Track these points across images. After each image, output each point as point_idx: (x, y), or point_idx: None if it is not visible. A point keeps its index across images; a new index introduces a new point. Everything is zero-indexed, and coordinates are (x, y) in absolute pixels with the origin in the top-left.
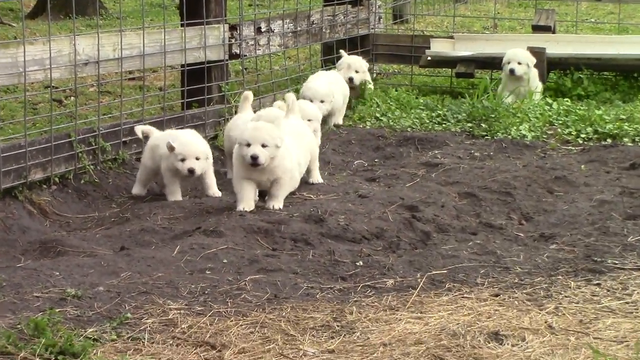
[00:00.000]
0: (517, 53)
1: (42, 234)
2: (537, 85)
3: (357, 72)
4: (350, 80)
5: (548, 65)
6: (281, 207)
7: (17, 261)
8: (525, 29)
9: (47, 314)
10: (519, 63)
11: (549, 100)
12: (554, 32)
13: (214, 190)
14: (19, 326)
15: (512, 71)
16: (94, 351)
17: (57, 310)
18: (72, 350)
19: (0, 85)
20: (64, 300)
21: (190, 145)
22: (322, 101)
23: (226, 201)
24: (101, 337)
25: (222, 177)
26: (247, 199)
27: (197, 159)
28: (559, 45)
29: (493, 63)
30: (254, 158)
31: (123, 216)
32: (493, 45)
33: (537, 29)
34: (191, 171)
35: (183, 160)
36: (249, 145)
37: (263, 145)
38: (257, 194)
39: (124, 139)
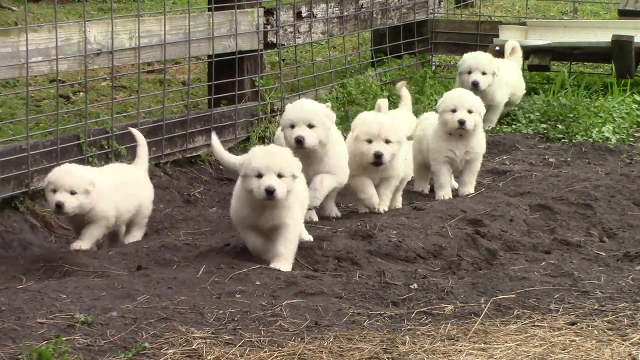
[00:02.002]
0: (480, 59)
1: (46, 251)
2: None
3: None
4: (475, 85)
5: (636, 56)
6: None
7: (18, 282)
8: (610, 14)
9: (52, 343)
10: (483, 73)
11: (637, 98)
12: None
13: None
14: (20, 357)
15: (475, 84)
16: None
17: (64, 338)
18: None
19: (1, 79)
20: (72, 327)
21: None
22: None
23: None
24: None
25: None
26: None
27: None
28: None
29: (572, 54)
30: (378, 155)
31: None
32: (572, 34)
33: (624, 14)
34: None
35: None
36: (370, 141)
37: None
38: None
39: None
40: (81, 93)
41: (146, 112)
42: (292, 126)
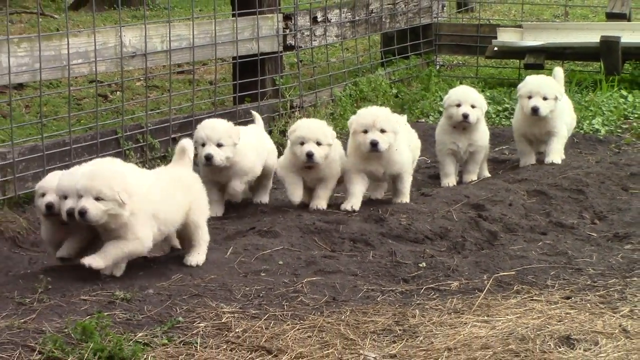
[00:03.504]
0: (469, 94)
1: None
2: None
3: (473, 107)
4: (465, 117)
5: (623, 55)
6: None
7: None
8: (598, 16)
9: (95, 318)
10: (473, 106)
11: (624, 93)
12: (629, 20)
13: None
14: (66, 330)
15: (465, 116)
16: (145, 356)
17: (106, 313)
18: (122, 355)
19: (44, 80)
20: (112, 304)
21: None
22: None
23: (281, 200)
24: (152, 341)
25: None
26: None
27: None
28: (634, 34)
29: (564, 54)
30: (374, 143)
31: None
32: (564, 35)
33: (611, 16)
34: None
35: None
36: (366, 132)
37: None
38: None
39: (173, 136)
40: (118, 92)
41: (177, 109)
42: (302, 143)
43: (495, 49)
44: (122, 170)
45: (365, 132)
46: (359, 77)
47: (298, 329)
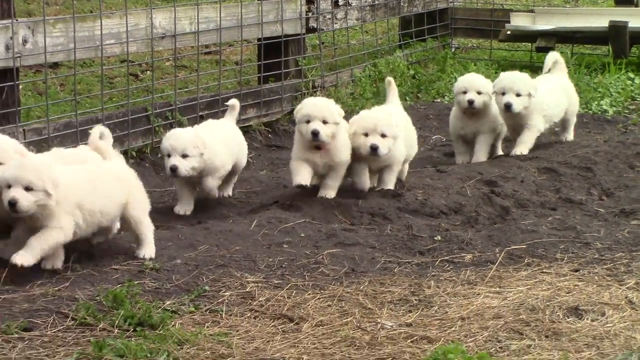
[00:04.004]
0: (475, 81)
1: None
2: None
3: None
4: (470, 104)
5: (630, 39)
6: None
7: None
8: (607, 2)
9: (125, 286)
10: (479, 93)
11: (631, 75)
12: (636, 6)
13: None
14: (97, 298)
15: (470, 102)
16: (173, 323)
17: (136, 282)
18: (151, 322)
19: (78, 59)
20: (142, 273)
21: None
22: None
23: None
24: (179, 309)
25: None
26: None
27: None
28: None
29: (574, 37)
30: (374, 148)
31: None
32: (574, 20)
33: (619, 2)
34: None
35: None
36: (366, 135)
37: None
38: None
39: (200, 113)
40: (148, 71)
41: (204, 88)
42: (308, 121)
43: (509, 32)
44: (47, 160)
45: (366, 135)
46: (377, 59)
47: (318, 298)
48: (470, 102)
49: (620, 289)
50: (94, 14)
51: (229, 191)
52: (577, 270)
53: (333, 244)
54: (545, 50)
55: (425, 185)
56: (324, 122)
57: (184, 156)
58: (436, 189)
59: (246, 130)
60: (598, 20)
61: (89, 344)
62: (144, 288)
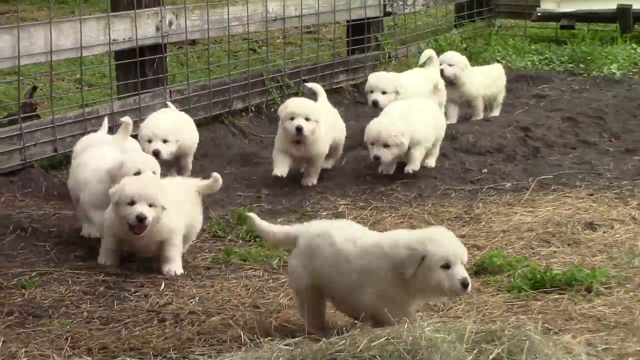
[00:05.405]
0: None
1: (242, 149)
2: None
3: (307, 119)
4: (375, 104)
5: (634, 18)
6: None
7: (224, 169)
8: None
9: (247, 208)
10: (384, 92)
11: (634, 46)
12: None
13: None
14: (226, 217)
15: (375, 104)
16: None
17: (255, 205)
18: None
19: (211, 37)
20: (259, 198)
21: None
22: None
23: None
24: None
25: None
26: None
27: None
28: None
29: (590, 17)
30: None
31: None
32: (590, 3)
33: None
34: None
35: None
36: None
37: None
38: None
39: (303, 77)
40: (263, 47)
41: (306, 58)
42: (292, 118)
43: (539, 14)
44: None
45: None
46: (438, 35)
47: (393, 217)
48: (375, 103)
49: (625, 208)
50: (222, 2)
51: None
52: (592, 195)
53: (403, 177)
54: (568, 27)
55: (475, 130)
56: (307, 119)
57: (165, 141)
58: (483, 133)
59: (337, 90)
60: (609, 3)
61: (219, 251)
62: (261, 209)
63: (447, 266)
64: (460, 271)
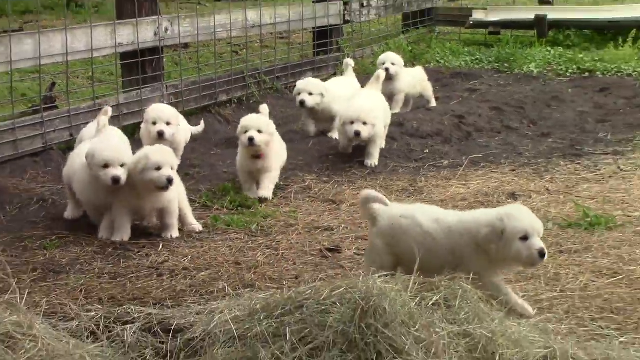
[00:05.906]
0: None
1: (227, 134)
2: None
3: (259, 131)
4: (302, 104)
5: (548, 26)
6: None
7: (211, 150)
8: (534, 3)
9: (231, 182)
10: (310, 94)
11: (549, 49)
12: (552, 5)
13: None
14: (213, 190)
15: (302, 103)
16: (260, 205)
17: (237, 180)
18: (247, 204)
19: (200, 41)
20: None
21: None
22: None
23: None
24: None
25: None
26: None
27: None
28: (555, 13)
29: (513, 25)
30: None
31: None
32: (513, 13)
33: (541, 2)
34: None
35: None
36: (352, 123)
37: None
38: None
39: (277, 75)
40: (244, 50)
41: (279, 59)
42: (246, 131)
43: (471, 22)
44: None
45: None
46: (388, 40)
47: (351, 189)
48: (302, 103)
49: (541, 181)
50: (209, 12)
51: None
52: (514, 170)
53: (359, 155)
54: (495, 33)
55: (418, 118)
56: (259, 131)
57: (168, 124)
58: (425, 120)
59: None
60: (528, 14)
61: (208, 217)
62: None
63: (525, 238)
64: (538, 242)
